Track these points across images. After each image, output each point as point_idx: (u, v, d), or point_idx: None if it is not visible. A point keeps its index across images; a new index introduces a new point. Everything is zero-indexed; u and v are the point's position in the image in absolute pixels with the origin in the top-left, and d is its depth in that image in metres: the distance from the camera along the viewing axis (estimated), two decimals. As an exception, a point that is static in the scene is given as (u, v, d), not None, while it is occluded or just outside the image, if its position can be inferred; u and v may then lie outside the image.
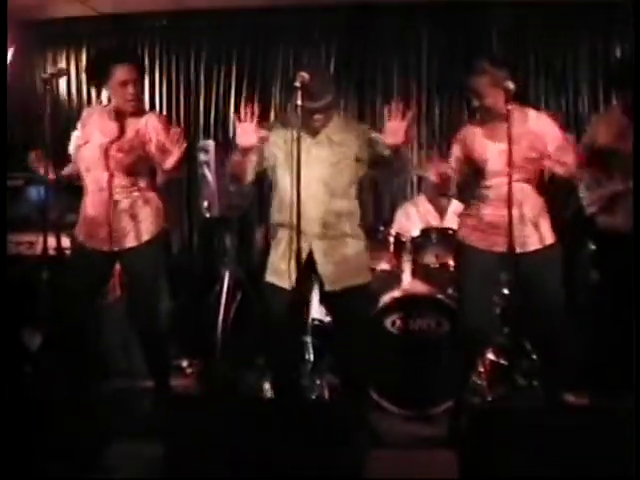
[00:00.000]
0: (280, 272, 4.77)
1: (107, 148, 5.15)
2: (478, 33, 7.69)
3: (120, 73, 5.11)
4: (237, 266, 6.81)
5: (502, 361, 5.75)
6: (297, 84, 4.46)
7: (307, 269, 4.67)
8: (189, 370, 6.85)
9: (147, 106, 8.04)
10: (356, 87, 7.94)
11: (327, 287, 4.79)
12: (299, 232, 4.47)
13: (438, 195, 6.50)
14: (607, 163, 5.28)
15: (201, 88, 8.21)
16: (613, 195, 5.31)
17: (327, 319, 5.84)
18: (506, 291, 5.81)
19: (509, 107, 4.64)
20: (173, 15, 8.05)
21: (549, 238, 4.93)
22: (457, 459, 3.93)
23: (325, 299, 4.99)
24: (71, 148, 5.36)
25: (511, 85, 4.66)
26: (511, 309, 5.74)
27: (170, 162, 5.02)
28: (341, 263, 4.79)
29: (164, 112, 8.16)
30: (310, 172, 4.62)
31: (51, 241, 5.26)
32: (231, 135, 7.83)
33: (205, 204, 6.68)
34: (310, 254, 4.74)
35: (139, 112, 5.26)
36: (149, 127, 5.19)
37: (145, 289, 5.27)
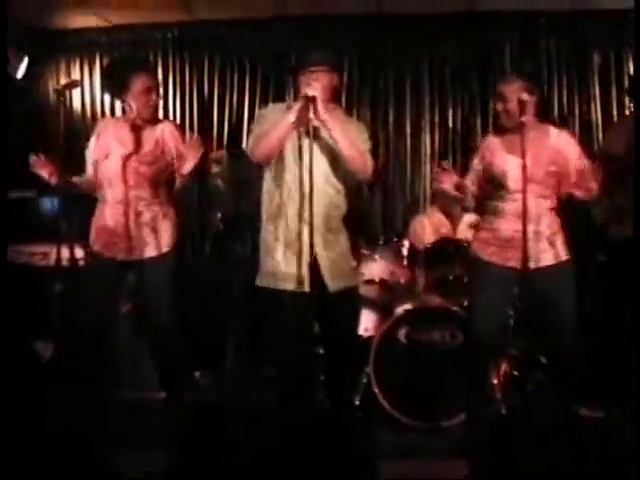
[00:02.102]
0: (289, 277, 4.67)
1: (128, 160, 5.17)
2: (493, 44, 7.68)
3: (141, 81, 5.14)
4: (250, 275, 6.79)
5: (516, 373, 5.71)
6: (309, 94, 4.46)
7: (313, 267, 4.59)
8: (202, 381, 6.84)
9: (161, 117, 8.11)
10: (370, 95, 7.96)
11: (327, 284, 4.66)
12: (312, 226, 4.44)
13: (454, 207, 6.49)
14: (621, 174, 5.25)
15: (214, 99, 8.24)
16: (626, 206, 5.29)
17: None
18: (519, 304, 5.77)
19: (523, 119, 4.63)
20: (186, 26, 8.07)
21: (564, 255, 4.88)
22: (470, 471, 3.91)
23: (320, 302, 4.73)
24: (89, 161, 5.35)
25: (526, 96, 4.65)
26: (524, 322, 5.71)
27: (187, 168, 5.06)
28: (338, 260, 4.73)
29: (177, 123, 8.19)
30: (314, 164, 4.53)
31: (64, 252, 5.25)
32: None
33: (218, 215, 6.69)
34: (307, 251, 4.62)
35: (156, 121, 5.29)
36: (166, 135, 5.22)
37: (161, 299, 5.27)
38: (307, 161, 4.47)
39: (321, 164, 4.64)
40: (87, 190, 5.38)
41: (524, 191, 4.55)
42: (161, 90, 7.83)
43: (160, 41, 8.21)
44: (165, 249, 5.25)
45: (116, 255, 5.20)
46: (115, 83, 5.31)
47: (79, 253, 5.85)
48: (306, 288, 4.59)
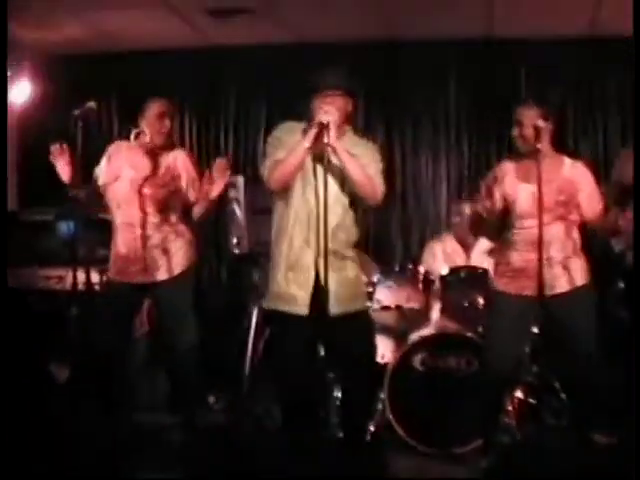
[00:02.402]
0: (291, 299, 4.65)
1: (140, 184, 5.19)
2: (510, 69, 7.69)
3: (156, 106, 5.18)
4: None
5: (531, 400, 5.69)
6: (322, 119, 4.46)
7: (316, 291, 4.58)
8: (216, 406, 6.83)
9: (177, 144, 8.14)
10: (385, 120, 7.98)
11: (330, 309, 4.53)
12: (326, 246, 4.41)
13: (468, 235, 6.50)
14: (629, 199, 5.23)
15: (230, 124, 8.25)
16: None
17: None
18: (536, 330, 5.76)
19: (539, 145, 4.64)
20: (201, 51, 8.10)
21: (579, 279, 4.85)
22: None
23: (326, 325, 4.68)
24: (98, 181, 5.37)
25: (541, 123, 4.66)
26: (540, 349, 5.69)
27: (215, 191, 5.20)
28: (343, 284, 4.66)
29: (194, 147, 8.26)
30: (322, 188, 4.50)
31: (80, 276, 5.26)
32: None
33: (234, 240, 6.69)
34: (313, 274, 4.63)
35: (169, 148, 5.34)
36: (178, 163, 5.27)
37: (176, 322, 5.30)
38: (316, 185, 4.52)
39: (330, 187, 4.57)
40: (90, 203, 5.40)
41: (539, 218, 4.55)
42: (176, 116, 7.99)
43: (175, 66, 8.22)
44: (177, 270, 5.26)
45: (130, 280, 5.22)
46: (130, 108, 5.35)
47: (95, 277, 5.86)
48: (305, 311, 4.58)
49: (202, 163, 8.06)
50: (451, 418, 5.48)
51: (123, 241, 5.23)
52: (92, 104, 5.14)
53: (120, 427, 5.28)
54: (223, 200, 6.64)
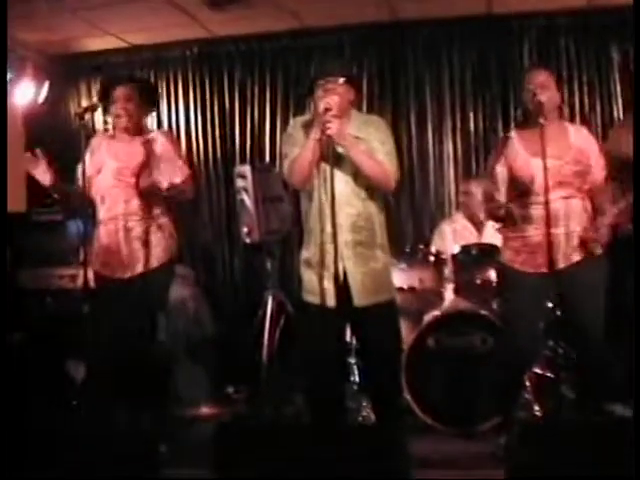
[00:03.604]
0: (315, 291, 4.68)
1: (121, 174, 5.15)
2: (512, 46, 7.65)
3: (121, 90, 5.18)
4: (279, 290, 6.81)
5: (548, 374, 5.68)
6: (323, 108, 4.47)
7: (340, 283, 4.55)
8: (236, 396, 6.86)
9: (183, 133, 8.16)
10: (390, 103, 7.95)
11: (355, 301, 4.64)
12: (335, 239, 4.43)
13: (479, 213, 6.49)
14: (629, 172, 5.19)
15: (236, 113, 8.25)
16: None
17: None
18: (550, 304, 5.73)
19: (552, 113, 4.67)
20: (204, 42, 8.12)
21: (594, 251, 4.80)
22: (506, 476, 3.89)
23: (351, 316, 4.79)
24: (81, 176, 5.21)
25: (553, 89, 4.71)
26: (558, 323, 5.66)
27: (175, 183, 5.04)
28: (370, 276, 4.67)
29: (200, 139, 8.28)
30: (336, 173, 4.51)
31: (90, 274, 5.25)
32: (267, 159, 7.90)
33: (245, 230, 6.69)
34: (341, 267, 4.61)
35: (146, 132, 5.29)
36: (156, 145, 5.19)
37: (148, 320, 5.22)
38: (327, 176, 4.48)
39: (342, 177, 4.60)
40: (75, 203, 5.36)
41: (546, 192, 4.54)
42: (182, 107, 8.02)
43: (179, 59, 8.25)
44: (155, 264, 5.18)
45: (111, 273, 5.17)
46: (101, 97, 5.33)
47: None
48: (331, 303, 4.58)
49: (208, 154, 8.18)
50: (468, 396, 5.51)
51: (105, 234, 5.17)
52: (95, 102, 5.14)
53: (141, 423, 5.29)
54: (232, 190, 6.68)
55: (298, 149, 4.65)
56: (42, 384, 6.10)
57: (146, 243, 5.13)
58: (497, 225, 5.28)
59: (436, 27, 7.75)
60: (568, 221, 4.75)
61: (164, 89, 8.31)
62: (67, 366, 6.24)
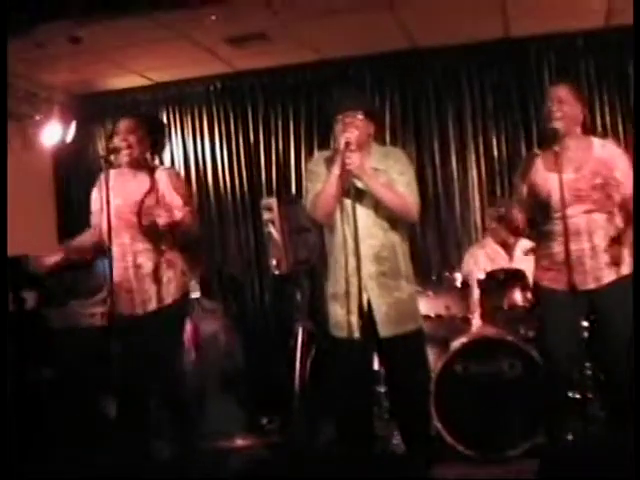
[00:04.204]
0: (342, 324, 4.70)
1: (126, 212, 5.12)
2: (532, 68, 7.67)
3: (124, 122, 5.20)
4: (309, 320, 6.84)
5: (578, 396, 5.66)
6: (343, 143, 4.53)
7: (365, 315, 4.59)
8: (269, 427, 6.90)
9: (210, 167, 8.25)
10: (413, 131, 8.01)
11: (380, 333, 4.67)
12: (359, 271, 4.50)
13: (508, 236, 6.50)
14: None
15: (260, 147, 8.33)
16: None
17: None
18: (585, 323, 5.67)
19: (577, 130, 4.72)
20: (227, 77, 8.24)
21: (626, 269, 4.74)
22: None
23: (378, 346, 4.82)
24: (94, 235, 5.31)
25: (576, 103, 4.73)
26: (587, 343, 5.63)
27: (174, 220, 5.02)
28: (395, 306, 4.70)
29: (226, 173, 8.37)
30: (358, 206, 4.56)
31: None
32: (293, 191, 7.96)
33: (274, 262, 6.73)
34: (366, 298, 4.65)
35: (152, 169, 5.24)
36: (161, 183, 5.16)
37: (167, 352, 5.20)
38: (349, 210, 4.55)
39: (364, 210, 4.64)
40: (79, 254, 5.41)
41: (563, 207, 4.54)
42: (207, 142, 8.11)
43: (203, 94, 8.36)
44: (168, 301, 5.14)
45: (123, 311, 5.11)
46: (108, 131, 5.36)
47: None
48: (357, 335, 4.61)
49: (235, 187, 8.26)
50: (497, 422, 5.50)
51: (118, 271, 5.06)
52: (118, 142, 5.18)
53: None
54: (260, 223, 6.75)
55: (320, 184, 4.70)
56: (76, 421, 6.17)
57: (157, 280, 5.11)
58: (527, 246, 5.27)
59: (455, 53, 7.79)
60: (591, 236, 4.70)
61: (189, 124, 8.43)
62: (100, 403, 6.29)
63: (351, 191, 4.54)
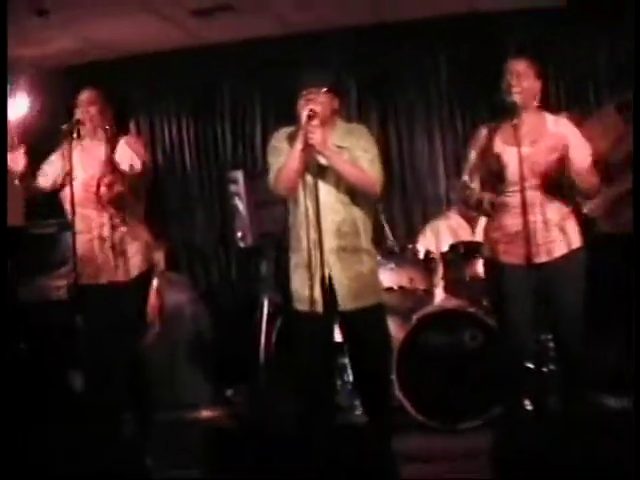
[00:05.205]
0: (304, 298, 4.74)
1: (90, 185, 5.11)
2: (497, 42, 7.68)
3: (80, 97, 5.21)
4: (275, 292, 6.87)
5: (532, 367, 5.71)
6: (305, 117, 4.55)
7: (326, 288, 4.61)
8: (235, 399, 6.94)
9: (176, 139, 8.25)
10: (379, 105, 8.05)
11: (341, 306, 4.73)
12: (321, 245, 4.50)
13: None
14: (606, 167, 5.19)
15: (226, 119, 8.35)
16: (615, 199, 5.31)
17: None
18: (537, 298, 5.71)
19: (535, 103, 4.75)
20: (193, 50, 8.17)
21: (576, 242, 4.81)
22: (496, 471, 3.94)
23: (340, 319, 4.89)
24: (46, 182, 5.30)
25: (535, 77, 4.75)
26: (542, 315, 5.68)
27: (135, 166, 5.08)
28: (356, 280, 4.75)
29: (192, 146, 8.40)
30: (320, 182, 4.59)
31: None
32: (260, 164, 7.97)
33: (239, 234, 6.76)
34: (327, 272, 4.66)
35: (114, 141, 5.23)
36: (121, 153, 5.17)
37: (131, 324, 5.24)
38: (311, 185, 4.57)
39: (326, 185, 4.68)
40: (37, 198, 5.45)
41: (521, 180, 4.57)
42: (173, 115, 8.09)
43: (168, 67, 8.30)
44: (134, 272, 5.18)
45: (91, 282, 5.13)
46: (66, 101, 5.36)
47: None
48: (319, 308, 4.64)
49: (201, 160, 8.27)
50: (458, 393, 5.58)
51: (81, 242, 5.06)
52: (79, 114, 5.16)
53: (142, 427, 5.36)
54: (225, 196, 6.77)
55: (283, 159, 4.73)
56: (44, 394, 6.18)
57: (122, 252, 5.12)
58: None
59: (421, 27, 7.75)
60: (544, 208, 4.74)
61: (155, 97, 8.43)
62: (67, 376, 6.31)
63: (313, 167, 4.57)
